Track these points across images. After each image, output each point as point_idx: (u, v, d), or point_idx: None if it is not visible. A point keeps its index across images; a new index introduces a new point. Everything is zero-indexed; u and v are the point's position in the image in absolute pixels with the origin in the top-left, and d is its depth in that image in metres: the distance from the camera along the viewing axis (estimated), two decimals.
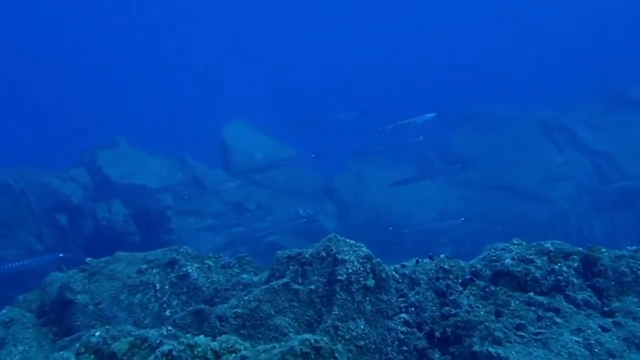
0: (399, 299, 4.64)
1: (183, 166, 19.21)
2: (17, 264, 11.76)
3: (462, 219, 16.27)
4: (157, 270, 5.47)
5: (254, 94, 36.01)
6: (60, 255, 12.31)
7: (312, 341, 3.10)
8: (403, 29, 48.11)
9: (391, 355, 4.30)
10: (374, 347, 4.31)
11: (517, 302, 4.37)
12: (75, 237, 15.57)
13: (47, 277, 5.91)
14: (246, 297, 4.39)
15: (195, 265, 5.55)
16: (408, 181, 18.42)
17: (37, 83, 43.54)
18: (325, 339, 3.21)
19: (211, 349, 3.01)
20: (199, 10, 50.92)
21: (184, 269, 5.44)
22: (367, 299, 4.50)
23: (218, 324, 4.25)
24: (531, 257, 4.63)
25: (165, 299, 5.28)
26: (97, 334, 3.51)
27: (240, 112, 23.63)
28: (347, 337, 4.26)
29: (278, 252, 5.01)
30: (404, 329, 4.41)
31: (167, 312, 5.18)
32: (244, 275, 5.30)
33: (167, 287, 5.35)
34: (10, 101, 40.60)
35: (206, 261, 5.69)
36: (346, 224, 19.61)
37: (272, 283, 4.51)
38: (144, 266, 5.53)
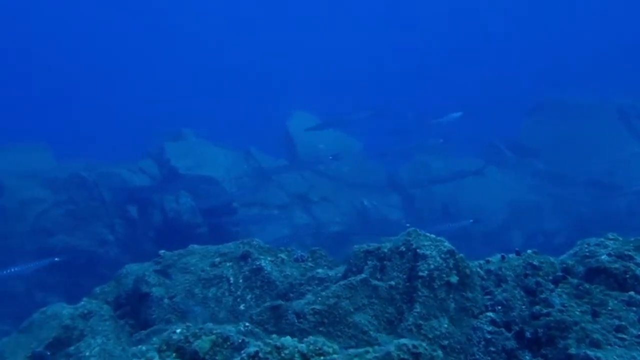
0: (485, 297, 4.40)
1: (248, 157, 19.26)
2: (12, 270, 11.89)
3: (471, 220, 15.44)
4: (231, 263, 5.40)
5: (316, 84, 35.98)
6: (56, 259, 12.42)
7: (410, 346, 2.90)
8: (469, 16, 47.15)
9: (478, 356, 4.07)
10: (458, 347, 4.09)
11: (616, 301, 4.05)
12: (145, 228, 15.84)
13: (122, 269, 5.94)
14: (324, 293, 4.24)
15: (269, 258, 5.44)
16: (321, 127, 18.87)
17: (106, 79, 44.88)
18: (424, 344, 3.02)
19: (299, 351, 2.87)
20: (263, 6, 51.29)
21: (257, 263, 5.34)
22: (451, 296, 4.28)
23: (296, 321, 4.12)
24: (630, 253, 4.29)
25: (239, 292, 5.20)
26: (178, 331, 3.43)
27: (303, 103, 23.55)
28: (430, 336, 4.06)
29: (355, 246, 4.84)
30: (490, 328, 4.17)
31: (242, 307, 5.10)
32: (319, 270, 5.16)
33: (240, 280, 5.27)
34: (81, 97, 41.97)
35: (279, 254, 5.59)
36: (411, 215, 19.29)
37: (350, 279, 4.34)
38: (217, 259, 5.46)
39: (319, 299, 4.20)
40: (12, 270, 11.57)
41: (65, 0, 48.01)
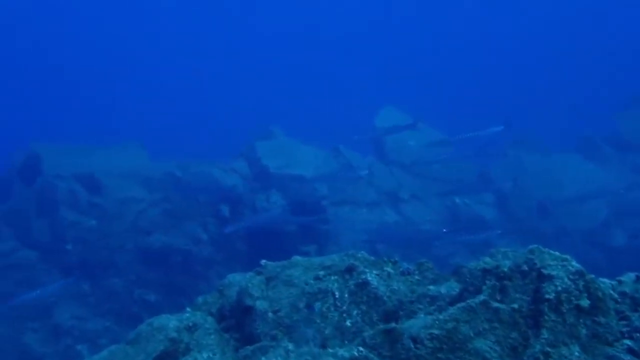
0: (620, 322, 4.00)
1: (337, 155, 19.11)
2: (31, 295, 12.16)
3: (499, 231, 14.75)
4: (335, 277, 5.21)
5: (403, 81, 35.47)
6: (71, 280, 12.60)
7: None
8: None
9: None
10: None
11: None
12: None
13: (225, 279, 5.88)
14: (441, 317, 3.97)
15: (375, 272, 5.22)
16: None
17: (191, 79, 46.09)
18: None
19: None
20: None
21: (363, 277, 5.13)
22: (581, 321, 3.91)
23: (412, 346, 3.87)
24: None
25: (344, 308, 5.00)
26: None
27: (390, 99, 23.19)
28: None
29: (471, 263, 4.54)
30: (628, 357, 3.77)
31: (348, 323, 4.90)
32: (431, 287, 4.89)
33: (346, 295, 5.07)
34: (173, 98, 43.24)
35: (385, 267, 5.35)
36: (505, 214, 18.61)
37: (468, 301, 4.05)
38: (321, 272, 5.29)
39: (437, 322, 3.94)
40: (32, 295, 12.01)
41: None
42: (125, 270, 14.42)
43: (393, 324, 4.19)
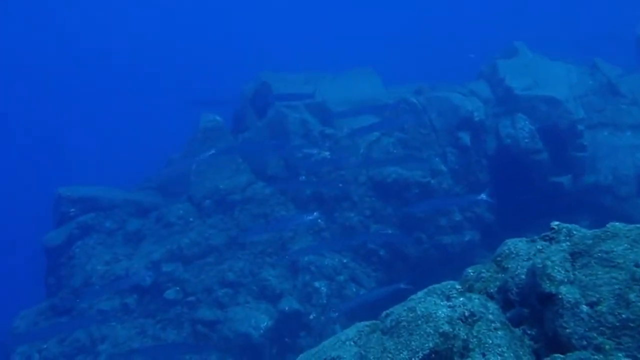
0: None
1: (593, 71, 16.30)
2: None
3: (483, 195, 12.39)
4: None
5: None
6: (184, 345, 11.29)
7: None
8: None
9: None
10: None
11: None
12: (478, 156, 14.38)
13: (503, 245, 4.40)
14: None
15: None
16: None
17: None
18: None
19: None
20: None
21: None
22: None
23: None
24: None
25: None
26: None
27: None
28: None
29: None
30: None
31: None
32: None
33: None
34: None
35: None
36: None
37: None
38: None
39: None
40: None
41: None
42: (360, 204, 13.67)
43: None
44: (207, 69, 39.37)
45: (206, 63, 41.03)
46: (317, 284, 12.44)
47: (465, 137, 14.13)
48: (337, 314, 11.65)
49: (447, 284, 4.30)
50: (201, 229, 13.34)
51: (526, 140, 14.09)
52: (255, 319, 11.67)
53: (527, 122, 14.26)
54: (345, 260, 13.10)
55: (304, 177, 13.98)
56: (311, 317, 12.07)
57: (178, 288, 12.36)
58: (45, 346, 11.93)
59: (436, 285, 4.31)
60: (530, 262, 3.94)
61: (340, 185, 13.63)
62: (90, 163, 31.77)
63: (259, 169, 14.41)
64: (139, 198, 14.51)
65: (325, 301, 12.26)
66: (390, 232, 13.15)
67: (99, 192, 14.12)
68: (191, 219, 13.56)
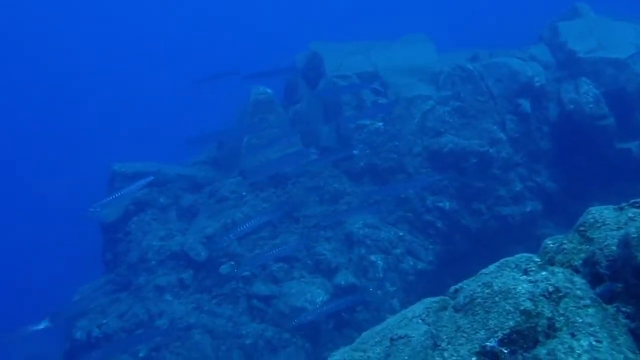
0: None
1: None
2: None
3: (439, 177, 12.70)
4: None
5: None
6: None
7: None
8: None
9: None
10: None
11: None
12: (539, 123, 13.75)
13: (587, 214, 3.99)
14: None
15: None
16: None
17: None
18: None
19: None
20: None
21: None
22: None
23: None
24: None
25: None
26: None
27: None
28: None
29: None
30: None
31: None
32: None
33: None
34: None
35: None
36: None
37: None
38: None
39: None
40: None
41: None
42: (415, 175, 13.28)
43: None
44: (259, 42, 39.16)
45: (258, 36, 40.86)
46: (373, 258, 12.17)
47: (525, 104, 13.52)
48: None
49: (521, 256, 3.93)
50: (254, 203, 13.20)
51: (590, 105, 13.37)
52: (311, 294, 11.50)
53: (591, 87, 13.53)
54: (401, 233, 12.78)
55: (357, 150, 13.61)
56: (370, 290, 11.85)
57: (233, 262, 12.29)
58: (104, 321, 12.07)
59: (509, 259, 3.95)
60: (622, 231, 3.53)
61: (395, 156, 13.26)
62: (143, 139, 32.15)
63: (311, 140, 14.15)
64: (192, 173, 14.46)
65: (382, 275, 11.99)
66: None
67: (152, 168, 14.11)
68: (244, 193, 13.43)
